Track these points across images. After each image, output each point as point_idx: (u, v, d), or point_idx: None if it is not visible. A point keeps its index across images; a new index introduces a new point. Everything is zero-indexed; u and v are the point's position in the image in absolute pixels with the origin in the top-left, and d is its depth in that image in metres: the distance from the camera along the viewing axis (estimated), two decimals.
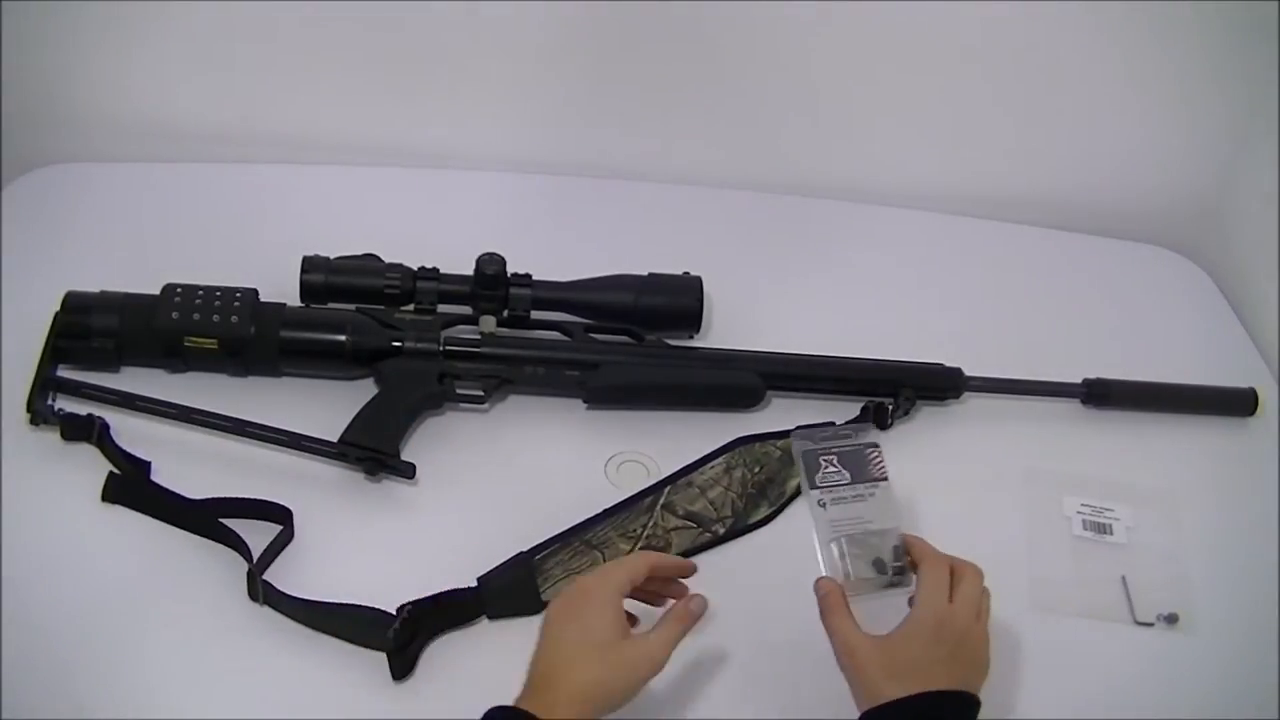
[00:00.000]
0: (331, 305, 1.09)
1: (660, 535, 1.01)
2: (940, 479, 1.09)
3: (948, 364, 1.14)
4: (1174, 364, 1.21)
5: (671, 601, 0.87)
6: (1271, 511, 1.10)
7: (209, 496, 0.97)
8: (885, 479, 0.93)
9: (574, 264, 1.12)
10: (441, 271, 1.10)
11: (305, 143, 1.32)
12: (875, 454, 0.93)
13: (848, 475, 0.92)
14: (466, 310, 1.10)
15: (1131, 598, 1.02)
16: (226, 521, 0.96)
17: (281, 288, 1.08)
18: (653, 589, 0.87)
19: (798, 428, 0.96)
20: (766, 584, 0.98)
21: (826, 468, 0.92)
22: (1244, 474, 1.14)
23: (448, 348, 1.08)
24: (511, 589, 0.95)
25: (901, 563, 0.89)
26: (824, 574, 0.88)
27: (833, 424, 1.07)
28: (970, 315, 1.25)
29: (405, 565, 0.96)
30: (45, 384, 1.03)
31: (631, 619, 0.85)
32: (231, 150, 1.31)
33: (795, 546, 0.92)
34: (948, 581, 0.85)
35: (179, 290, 1.05)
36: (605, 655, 0.79)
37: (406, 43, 1.26)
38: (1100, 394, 1.15)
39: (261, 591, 0.92)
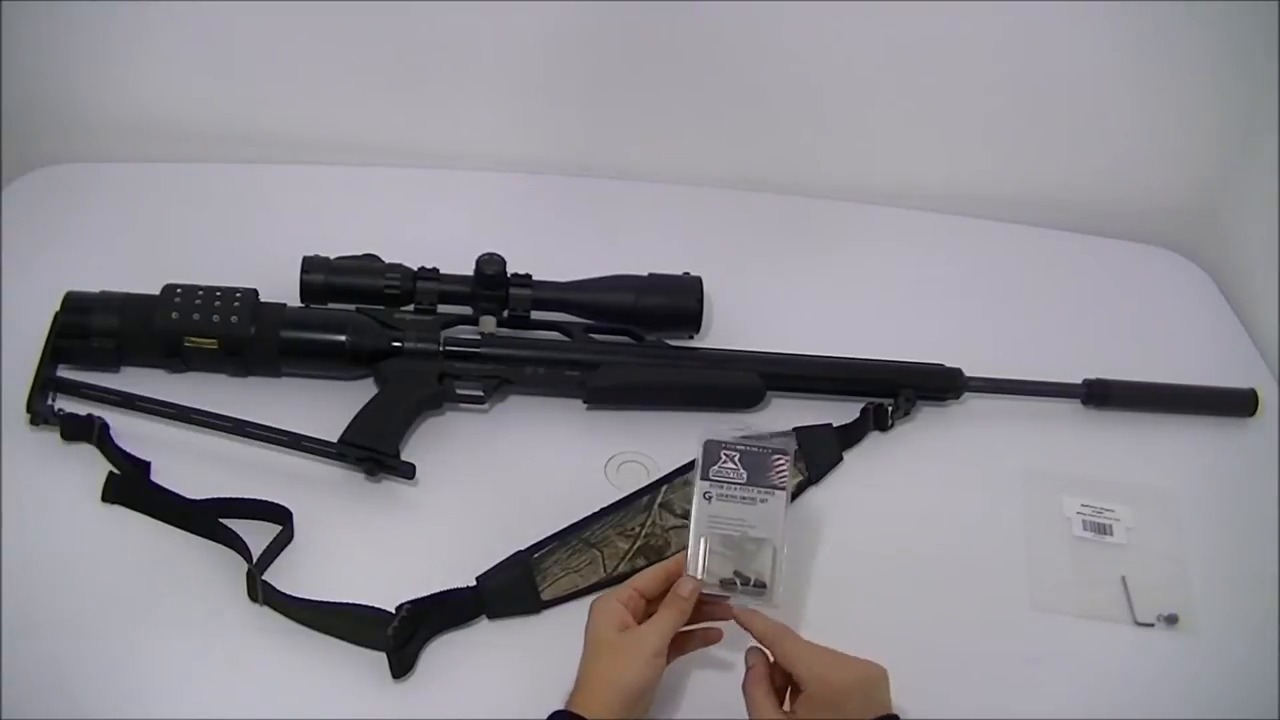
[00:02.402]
0: (331, 305, 1.09)
1: (658, 534, 1.01)
2: (940, 479, 1.09)
3: (948, 364, 1.14)
4: (1174, 364, 1.20)
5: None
6: (1271, 511, 1.10)
7: (209, 497, 0.97)
8: (782, 489, 0.89)
9: (574, 264, 1.12)
10: (441, 271, 1.09)
11: (305, 143, 1.32)
12: (781, 461, 0.90)
13: (744, 475, 0.90)
14: (466, 310, 1.10)
15: (1131, 598, 1.02)
16: (226, 522, 0.96)
17: (281, 288, 1.07)
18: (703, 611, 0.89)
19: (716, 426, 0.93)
20: None
21: (725, 462, 0.90)
22: (1244, 474, 1.14)
23: (448, 348, 1.08)
24: (510, 588, 0.95)
25: (765, 580, 0.87)
26: (689, 572, 0.88)
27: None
28: (970, 315, 1.25)
29: (405, 565, 0.96)
30: (45, 384, 1.03)
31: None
32: (232, 150, 1.31)
33: (794, 545, 0.92)
34: (806, 641, 0.85)
35: (179, 290, 1.05)
36: (609, 648, 0.84)
37: (406, 43, 1.26)
38: (1100, 394, 1.15)
39: (261, 591, 0.93)
